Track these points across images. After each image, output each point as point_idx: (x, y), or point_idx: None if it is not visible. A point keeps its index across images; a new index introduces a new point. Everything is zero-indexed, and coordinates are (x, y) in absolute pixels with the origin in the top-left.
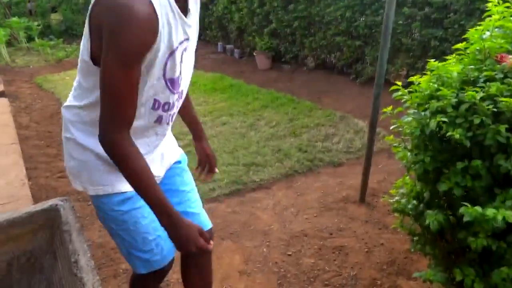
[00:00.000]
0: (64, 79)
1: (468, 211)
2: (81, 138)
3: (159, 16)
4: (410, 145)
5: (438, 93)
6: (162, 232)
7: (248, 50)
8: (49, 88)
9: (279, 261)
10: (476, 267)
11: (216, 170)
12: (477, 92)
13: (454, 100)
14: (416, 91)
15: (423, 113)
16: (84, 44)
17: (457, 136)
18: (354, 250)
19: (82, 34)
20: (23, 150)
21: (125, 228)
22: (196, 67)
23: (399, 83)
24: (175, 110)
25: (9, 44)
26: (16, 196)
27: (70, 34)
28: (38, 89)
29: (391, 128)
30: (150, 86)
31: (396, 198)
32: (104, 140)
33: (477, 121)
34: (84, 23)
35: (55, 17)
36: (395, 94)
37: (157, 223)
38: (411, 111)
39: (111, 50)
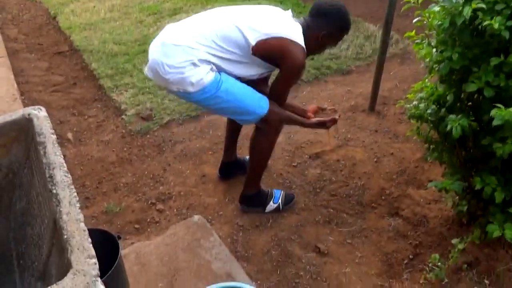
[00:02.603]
0: None
1: (501, 114)
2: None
3: None
4: (434, 42)
5: None
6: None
7: None
8: None
9: (283, 173)
10: (498, 175)
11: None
12: None
13: None
14: None
15: (454, 0)
16: (249, 34)
17: (496, 25)
18: (362, 160)
19: None
20: (12, 64)
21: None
22: None
23: None
24: None
25: None
26: (8, 111)
27: None
28: None
29: (413, 21)
30: None
31: (414, 103)
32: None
33: None
34: None
35: None
36: None
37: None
38: None
39: (287, 80)
